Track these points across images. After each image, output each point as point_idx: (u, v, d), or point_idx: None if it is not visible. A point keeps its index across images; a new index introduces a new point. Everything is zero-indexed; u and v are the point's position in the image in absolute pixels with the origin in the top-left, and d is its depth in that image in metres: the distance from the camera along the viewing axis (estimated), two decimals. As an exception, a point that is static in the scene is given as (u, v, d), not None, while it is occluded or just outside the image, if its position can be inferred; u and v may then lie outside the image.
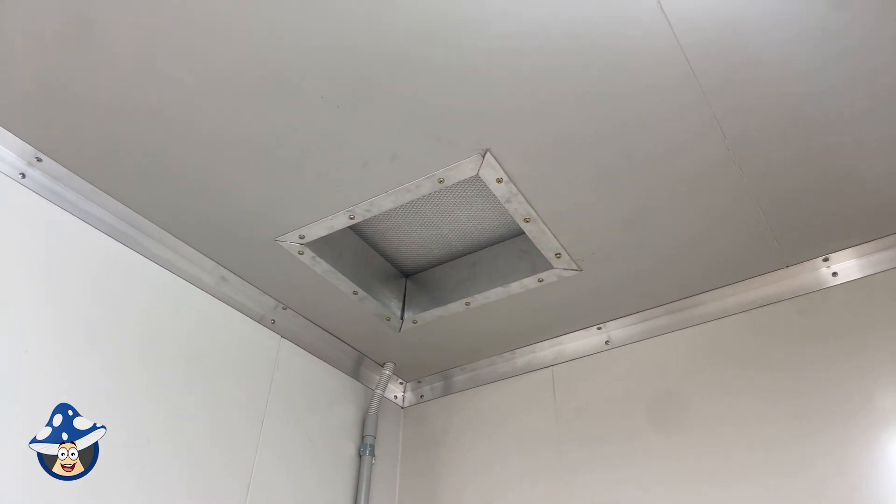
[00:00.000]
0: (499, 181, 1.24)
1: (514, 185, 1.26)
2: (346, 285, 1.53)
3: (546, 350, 1.74)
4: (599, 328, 1.67)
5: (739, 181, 1.24)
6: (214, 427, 1.40)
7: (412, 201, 1.43)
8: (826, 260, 1.43)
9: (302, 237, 1.39)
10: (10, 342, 1.14)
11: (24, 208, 1.21)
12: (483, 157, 1.19)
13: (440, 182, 1.25)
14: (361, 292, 1.56)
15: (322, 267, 1.47)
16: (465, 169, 1.22)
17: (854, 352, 1.34)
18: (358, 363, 1.84)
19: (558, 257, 1.43)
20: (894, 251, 1.37)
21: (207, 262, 1.47)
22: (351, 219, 1.34)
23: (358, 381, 1.84)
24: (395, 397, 1.95)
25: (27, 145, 1.20)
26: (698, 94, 1.08)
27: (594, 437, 1.56)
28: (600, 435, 1.55)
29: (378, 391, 1.80)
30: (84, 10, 0.99)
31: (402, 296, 1.70)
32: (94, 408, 1.21)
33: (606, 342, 1.66)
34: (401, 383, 1.95)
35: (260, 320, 1.60)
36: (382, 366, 1.83)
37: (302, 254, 1.43)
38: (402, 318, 1.67)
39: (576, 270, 1.47)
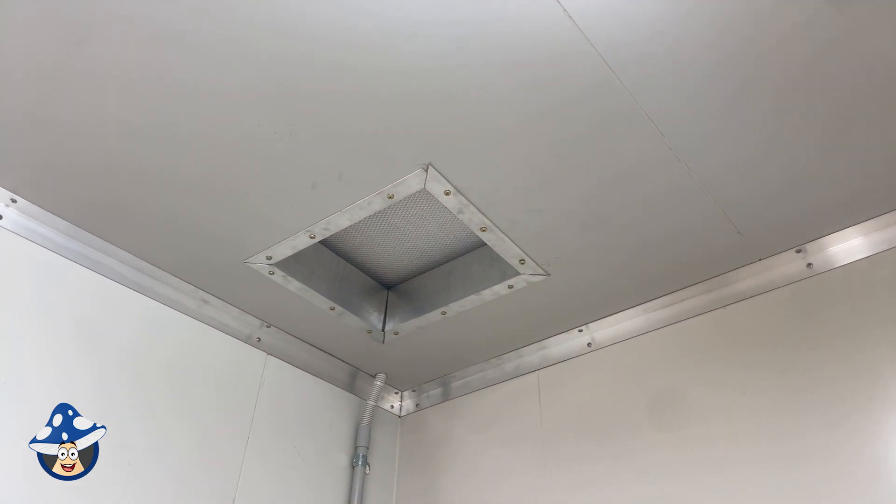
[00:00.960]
0: (447, 193, 1.26)
1: (463, 196, 1.27)
2: (321, 301, 1.57)
3: (533, 354, 1.74)
4: (581, 330, 1.66)
5: (689, 178, 1.22)
6: (200, 444, 1.45)
7: (379, 215, 1.47)
8: (799, 251, 1.39)
9: (269, 258, 1.43)
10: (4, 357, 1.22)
11: (4, 247, 1.29)
12: (426, 171, 1.21)
13: (390, 198, 1.27)
14: (338, 307, 1.60)
15: (294, 285, 1.51)
16: (412, 184, 1.24)
17: (838, 342, 1.29)
18: (353, 376, 1.88)
19: (523, 263, 1.43)
20: (864, 239, 1.33)
21: (187, 287, 1.53)
22: (311, 238, 1.37)
23: (353, 393, 1.88)
24: (392, 407, 1.98)
25: (1, 188, 1.28)
26: (622, 92, 1.07)
27: (577, 440, 1.55)
28: (583, 438, 1.55)
29: (370, 402, 1.84)
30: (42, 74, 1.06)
31: (384, 308, 1.73)
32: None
33: (589, 344, 1.65)
34: (396, 393, 1.98)
35: (246, 340, 1.65)
36: (374, 377, 1.86)
37: (272, 274, 1.48)
38: (383, 330, 1.69)
39: (543, 275, 1.47)
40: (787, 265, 1.41)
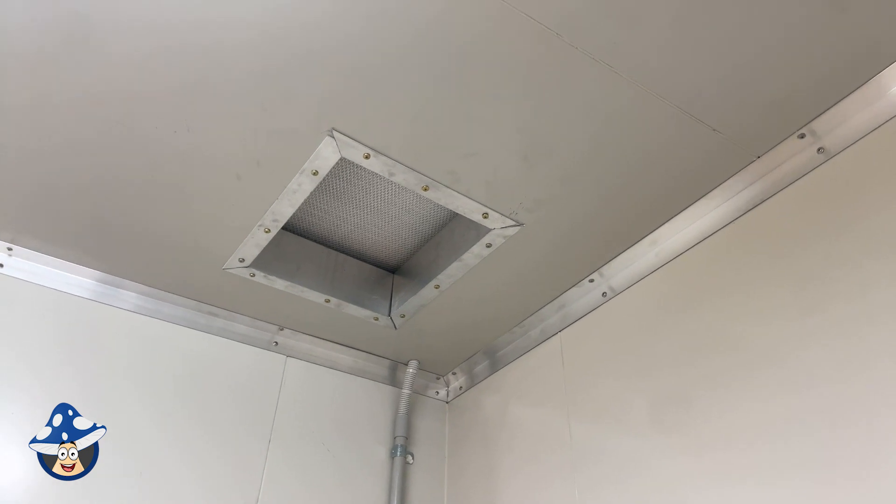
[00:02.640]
0: (367, 157, 1.19)
1: (385, 156, 1.19)
2: (314, 296, 1.55)
3: (553, 316, 1.60)
4: (592, 280, 1.50)
5: (619, 79, 1.05)
6: (220, 450, 1.48)
7: (352, 199, 1.44)
8: (802, 136, 1.14)
9: (242, 260, 1.44)
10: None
11: (11, 293, 1.42)
12: (332, 136, 1.15)
13: (315, 174, 1.23)
14: (334, 299, 1.57)
15: (280, 283, 1.51)
16: (327, 154, 1.18)
17: (875, 231, 1.02)
18: (390, 368, 1.85)
19: (486, 217, 1.32)
20: (877, 106, 1.06)
21: (190, 303, 1.59)
22: (267, 232, 1.36)
23: (394, 385, 1.84)
24: (437, 393, 1.92)
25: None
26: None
27: (600, 404, 1.39)
28: (605, 400, 1.38)
29: (405, 390, 1.79)
30: None
31: (390, 293, 1.68)
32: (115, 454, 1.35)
33: (604, 294, 1.48)
34: (438, 379, 1.91)
35: (265, 346, 1.68)
36: (406, 365, 1.82)
37: (254, 276, 1.49)
38: (389, 315, 1.64)
39: (515, 225, 1.34)
40: (793, 157, 1.17)
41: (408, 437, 1.75)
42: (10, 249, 1.43)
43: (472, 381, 1.84)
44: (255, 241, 1.39)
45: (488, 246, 1.39)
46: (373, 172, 1.26)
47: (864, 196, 1.06)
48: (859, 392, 0.95)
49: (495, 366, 1.76)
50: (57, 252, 1.45)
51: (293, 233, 1.56)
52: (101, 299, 1.50)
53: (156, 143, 1.17)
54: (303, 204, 1.46)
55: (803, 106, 1.10)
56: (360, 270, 1.66)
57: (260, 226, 1.35)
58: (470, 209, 1.30)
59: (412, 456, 1.75)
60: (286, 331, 1.70)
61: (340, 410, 1.72)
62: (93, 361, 1.44)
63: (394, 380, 1.85)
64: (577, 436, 1.41)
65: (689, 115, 1.11)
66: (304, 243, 1.58)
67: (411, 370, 1.80)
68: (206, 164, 1.21)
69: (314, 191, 1.41)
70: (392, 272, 1.71)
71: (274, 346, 1.69)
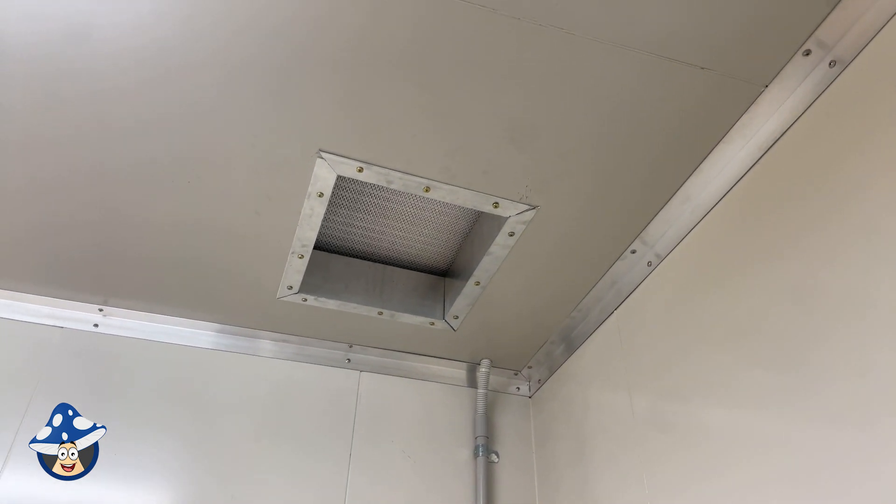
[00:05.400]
0: (360, 171, 1.22)
1: (378, 165, 1.22)
2: (366, 310, 1.61)
3: (607, 294, 1.53)
4: (634, 251, 1.42)
5: (575, 42, 1.00)
6: (305, 475, 1.57)
7: (384, 210, 1.49)
8: (808, 53, 1.02)
9: (290, 287, 1.53)
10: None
11: (105, 349, 1.61)
12: (322, 157, 1.20)
13: (321, 196, 1.28)
14: (386, 311, 1.62)
15: (332, 303, 1.59)
16: (324, 175, 1.23)
17: None
18: (469, 370, 1.86)
19: (497, 207, 1.30)
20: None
21: (264, 333, 1.71)
22: (301, 258, 1.44)
23: (472, 387, 1.85)
24: (518, 389, 1.90)
25: (87, 304, 1.61)
26: None
27: (658, 386, 1.31)
28: (665, 382, 1.30)
29: (480, 390, 1.79)
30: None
31: (443, 296, 1.69)
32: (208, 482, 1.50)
33: (649, 263, 1.40)
34: (516, 374, 1.89)
35: (340, 364, 1.76)
36: (479, 364, 1.82)
37: (306, 300, 1.57)
38: (444, 318, 1.66)
39: (531, 209, 1.30)
40: (805, 78, 1.04)
41: (489, 437, 1.74)
42: (101, 310, 1.63)
43: (550, 373, 1.80)
44: (295, 268, 1.47)
45: (511, 234, 1.37)
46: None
47: (891, 100, 0.92)
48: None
49: (567, 354, 1.71)
50: (142, 307, 1.63)
51: (338, 253, 1.63)
52: (184, 342, 1.66)
53: (173, 193, 1.28)
54: (339, 223, 1.54)
55: (799, 19, 0.98)
56: (409, 279, 1.69)
57: (293, 253, 1.42)
58: (478, 202, 1.29)
59: (497, 455, 1.74)
60: (356, 347, 1.77)
61: (418, 417, 1.76)
62: (194, 398, 1.60)
63: (473, 381, 1.85)
64: (640, 413, 1.33)
65: (669, 59, 1.03)
66: (350, 262, 1.64)
67: (483, 369, 1.80)
68: (226, 206, 1.31)
69: (347, 209, 1.48)
70: (443, 276, 1.72)
71: (347, 364, 1.77)
